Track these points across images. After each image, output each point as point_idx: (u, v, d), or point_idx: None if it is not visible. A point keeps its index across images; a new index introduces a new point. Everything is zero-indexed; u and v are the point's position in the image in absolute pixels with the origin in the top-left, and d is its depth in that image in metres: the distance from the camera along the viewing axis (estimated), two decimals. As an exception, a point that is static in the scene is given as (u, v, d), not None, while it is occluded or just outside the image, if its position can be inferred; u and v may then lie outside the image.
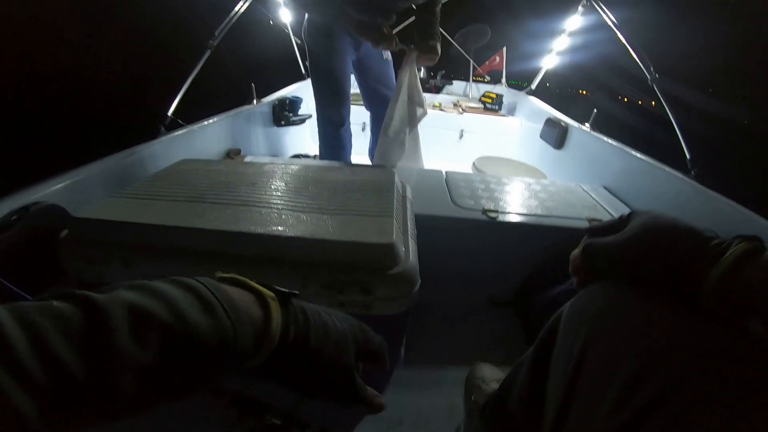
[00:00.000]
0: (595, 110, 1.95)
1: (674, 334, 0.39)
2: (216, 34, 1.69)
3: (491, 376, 0.91)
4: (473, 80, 3.50)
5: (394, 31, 1.46)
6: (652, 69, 1.59)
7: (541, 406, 0.50)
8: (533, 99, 2.70)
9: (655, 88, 1.55)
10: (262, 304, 0.34)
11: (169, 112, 1.42)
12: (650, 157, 1.43)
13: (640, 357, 0.38)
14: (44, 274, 0.83)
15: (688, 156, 1.33)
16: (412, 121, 1.59)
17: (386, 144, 1.56)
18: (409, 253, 0.64)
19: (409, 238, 0.68)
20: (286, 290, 0.37)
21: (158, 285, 0.30)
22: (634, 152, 1.51)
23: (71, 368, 0.23)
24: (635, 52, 1.65)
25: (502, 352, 1.11)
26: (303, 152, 2.36)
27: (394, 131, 1.53)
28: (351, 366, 0.39)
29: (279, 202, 0.71)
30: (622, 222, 0.51)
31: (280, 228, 0.62)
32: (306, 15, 1.62)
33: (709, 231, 0.45)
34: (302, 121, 2.30)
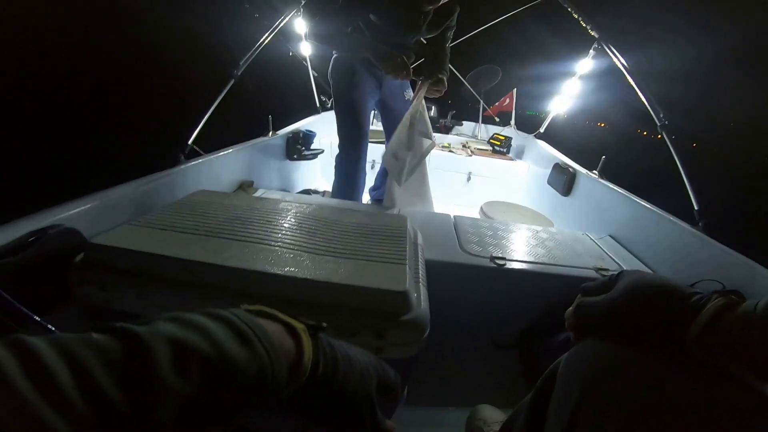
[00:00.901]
0: (604, 157, 1.97)
1: (661, 386, 0.42)
2: (240, 63, 1.73)
3: (493, 417, 0.90)
4: (482, 122, 3.56)
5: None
6: (661, 115, 1.59)
7: None
8: (541, 143, 2.72)
9: (664, 135, 1.54)
10: (294, 336, 0.35)
11: (190, 141, 1.45)
12: (657, 207, 1.44)
13: (628, 409, 0.41)
14: (52, 298, 0.85)
15: (696, 207, 1.32)
16: (419, 149, 1.61)
17: (395, 189, 1.59)
18: (421, 299, 0.65)
19: (420, 285, 0.69)
20: (315, 323, 0.38)
21: (195, 318, 0.30)
22: (640, 201, 1.52)
23: (114, 401, 0.23)
24: (645, 96, 1.67)
25: (505, 394, 1.10)
26: (312, 187, 2.38)
27: (395, 155, 1.56)
28: (373, 397, 0.40)
29: (294, 242, 0.73)
30: (611, 281, 0.55)
31: (295, 269, 0.63)
32: (333, 55, 1.70)
33: (689, 288, 0.48)
34: (314, 156, 2.32)
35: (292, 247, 0.70)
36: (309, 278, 0.62)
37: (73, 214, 0.92)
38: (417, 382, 1.10)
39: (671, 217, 1.35)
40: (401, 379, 0.78)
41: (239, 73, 1.73)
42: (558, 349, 1.09)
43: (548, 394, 0.54)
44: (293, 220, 0.83)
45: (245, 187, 1.67)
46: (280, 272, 0.62)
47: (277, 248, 0.69)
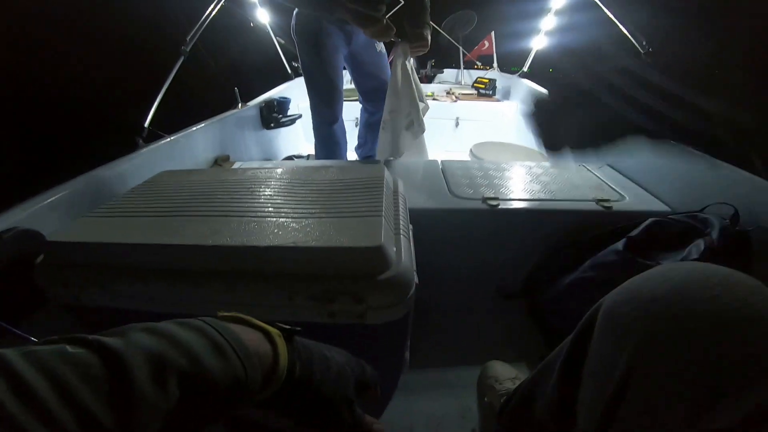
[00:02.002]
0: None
1: None
2: (188, 39, 1.62)
3: (504, 374, 0.85)
4: (464, 67, 3.43)
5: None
6: (644, 42, 1.51)
7: (574, 416, 0.44)
8: (527, 81, 2.64)
9: (649, 62, 1.47)
10: (270, 341, 0.35)
11: (146, 123, 1.35)
12: (651, 131, 1.36)
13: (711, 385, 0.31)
14: (26, 303, 0.79)
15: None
16: (415, 115, 1.53)
17: (387, 139, 1.50)
18: (402, 253, 0.58)
19: (401, 236, 0.62)
20: (289, 327, 0.38)
21: (170, 329, 0.30)
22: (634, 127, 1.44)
23: (100, 418, 0.23)
24: (625, 28, 1.58)
25: (514, 347, 1.05)
26: (297, 153, 2.30)
27: (394, 126, 1.47)
28: (351, 397, 0.40)
29: (260, 209, 0.65)
30: None
31: (259, 238, 0.56)
32: (294, 11, 1.57)
33: None
34: (292, 121, 2.24)
35: (257, 215, 0.63)
36: (273, 246, 0.54)
37: (29, 214, 0.86)
38: (420, 343, 1.06)
39: (671, 141, 1.26)
40: (397, 343, 0.73)
41: (188, 50, 1.62)
42: (568, 293, 1.05)
43: (583, 350, 0.44)
44: (261, 187, 0.75)
45: (220, 162, 1.59)
46: (242, 244, 0.55)
47: (241, 218, 0.62)
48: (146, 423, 0.25)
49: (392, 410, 0.85)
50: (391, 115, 1.47)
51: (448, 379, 0.97)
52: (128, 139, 1.28)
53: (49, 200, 0.91)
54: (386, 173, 0.78)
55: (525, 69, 2.81)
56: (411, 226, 0.71)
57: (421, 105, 1.55)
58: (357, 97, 1.88)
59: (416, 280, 0.58)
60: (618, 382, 0.36)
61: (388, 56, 1.65)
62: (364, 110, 1.85)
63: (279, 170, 0.83)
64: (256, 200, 0.69)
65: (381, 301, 0.53)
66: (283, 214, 0.63)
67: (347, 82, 2.05)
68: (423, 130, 1.56)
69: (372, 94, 1.73)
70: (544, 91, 2.29)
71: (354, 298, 0.53)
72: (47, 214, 0.89)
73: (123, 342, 0.27)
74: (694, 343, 0.33)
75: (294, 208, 0.65)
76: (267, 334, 0.36)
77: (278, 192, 0.72)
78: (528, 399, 0.60)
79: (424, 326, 1.08)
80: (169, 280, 0.57)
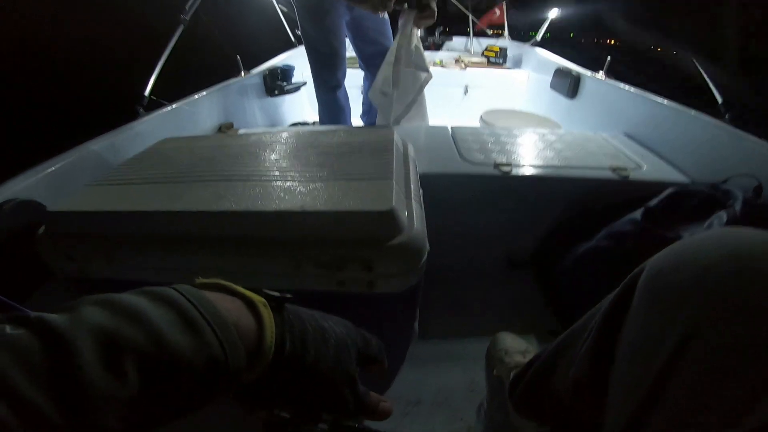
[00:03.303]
0: (610, 57, 1.81)
1: None
2: (187, 8, 1.57)
3: (515, 347, 0.84)
4: (474, 35, 3.32)
5: None
6: None
7: (603, 394, 0.40)
8: (540, 50, 2.54)
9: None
10: (254, 312, 0.30)
11: (146, 92, 1.32)
12: (675, 102, 1.30)
13: None
14: (30, 276, 0.78)
15: (719, 100, 1.20)
16: (413, 84, 1.49)
17: (386, 105, 1.46)
18: (414, 218, 0.55)
19: (413, 201, 0.59)
20: (278, 294, 0.32)
21: (130, 300, 0.25)
22: (656, 98, 1.38)
23: (44, 410, 0.19)
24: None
25: (523, 319, 1.04)
26: (302, 120, 2.26)
27: (383, 94, 1.44)
28: (352, 374, 0.35)
29: (265, 173, 0.62)
30: None
31: (265, 203, 0.54)
32: None
33: None
34: (297, 89, 2.19)
35: (262, 179, 0.60)
36: (280, 210, 0.52)
37: (28, 185, 0.85)
38: (429, 313, 1.04)
39: (693, 112, 1.21)
40: (406, 313, 0.71)
41: (188, 18, 1.56)
42: (577, 264, 1.02)
43: (618, 322, 0.40)
44: (267, 151, 0.72)
45: (224, 129, 1.57)
46: (248, 209, 0.53)
47: (246, 183, 0.59)
48: (101, 416, 0.21)
49: (399, 382, 0.84)
50: (389, 83, 1.43)
51: (456, 351, 0.95)
52: (129, 108, 1.25)
53: (48, 171, 0.90)
54: (396, 137, 0.74)
55: (538, 38, 2.71)
56: (422, 191, 0.68)
57: (423, 75, 1.51)
58: (351, 66, 1.86)
59: (428, 247, 0.55)
60: (667, 357, 0.33)
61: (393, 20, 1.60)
62: (366, 78, 1.82)
63: (284, 134, 0.81)
64: (261, 164, 0.66)
65: (392, 268, 0.51)
66: (290, 178, 0.60)
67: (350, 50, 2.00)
68: (421, 102, 1.54)
69: (372, 60, 1.69)
70: (559, 60, 2.20)
71: (364, 266, 0.51)
72: (47, 185, 0.87)
73: (68, 319, 0.23)
74: (760, 317, 0.30)
75: (301, 172, 0.62)
76: (251, 304, 0.31)
77: (284, 156, 0.70)
78: (544, 376, 0.57)
79: (432, 294, 1.06)
80: (172, 248, 0.55)
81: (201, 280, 0.32)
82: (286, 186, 0.58)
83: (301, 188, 0.56)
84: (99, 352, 0.22)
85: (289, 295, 0.33)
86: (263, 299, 0.31)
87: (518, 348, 0.83)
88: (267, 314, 0.30)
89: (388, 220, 0.50)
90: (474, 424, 0.80)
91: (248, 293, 0.31)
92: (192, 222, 0.54)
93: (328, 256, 0.51)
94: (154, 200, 0.57)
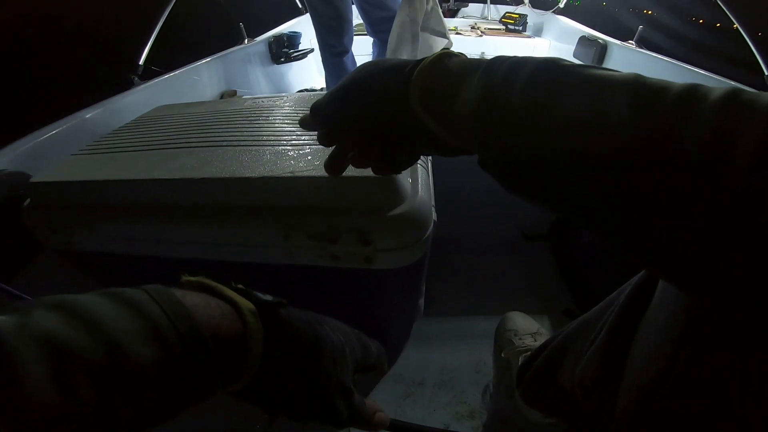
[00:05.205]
0: (641, 26, 1.70)
1: None
2: None
3: (525, 328, 0.79)
4: (491, 1, 3.16)
5: None
6: None
7: (612, 398, 0.36)
8: (562, 18, 2.41)
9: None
10: (241, 318, 0.27)
11: (141, 61, 1.27)
12: (714, 74, 1.21)
13: None
14: (19, 250, 0.75)
15: (766, 72, 1.12)
16: (429, 51, 1.39)
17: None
18: (418, 185, 0.49)
19: (418, 166, 0.53)
20: (271, 299, 0.30)
21: (89, 304, 0.22)
22: (693, 68, 1.29)
23: None
24: None
25: (536, 298, 0.98)
26: (310, 87, 2.21)
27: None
28: (347, 385, 0.33)
29: (257, 138, 0.57)
30: None
31: (251, 169, 0.49)
32: None
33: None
34: (304, 55, 2.12)
35: (254, 144, 0.56)
36: (267, 176, 0.47)
37: (17, 156, 0.82)
38: (436, 288, 0.99)
39: (734, 84, 1.12)
40: (410, 290, 0.66)
41: None
42: (597, 240, 0.95)
43: (641, 308, 0.36)
44: (264, 115, 0.67)
45: (226, 96, 1.52)
46: (232, 175, 0.48)
47: (235, 148, 0.55)
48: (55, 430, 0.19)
49: (403, 360, 0.81)
50: (404, 47, 1.36)
51: (463, 329, 0.91)
52: (122, 77, 1.21)
53: (38, 140, 0.87)
54: None
55: (561, 5, 2.57)
56: (429, 156, 0.62)
57: (441, 42, 1.42)
58: (359, 32, 1.81)
59: (435, 217, 0.50)
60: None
61: None
62: (375, 45, 1.75)
63: (284, 99, 0.75)
64: (255, 129, 0.61)
65: (392, 241, 0.46)
66: (283, 143, 0.55)
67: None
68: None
69: (380, 26, 1.61)
70: (584, 28, 2.07)
71: (360, 238, 0.45)
72: (36, 155, 0.84)
73: (16, 324, 0.20)
74: None
75: (296, 137, 0.56)
76: (238, 309, 0.28)
77: (281, 120, 0.64)
78: (552, 368, 0.53)
79: (440, 267, 1.01)
80: (153, 218, 0.52)
81: (187, 278, 0.30)
82: (278, 150, 0.53)
83: (293, 152, 0.51)
84: (45, 365, 0.19)
85: (284, 301, 0.31)
86: (251, 305, 0.28)
87: (529, 329, 0.78)
88: (255, 324, 0.28)
89: (388, 186, 0.44)
90: (478, 407, 0.76)
91: (236, 297, 0.28)
92: (173, 190, 0.50)
93: (319, 227, 0.46)
94: (136, 168, 0.54)
